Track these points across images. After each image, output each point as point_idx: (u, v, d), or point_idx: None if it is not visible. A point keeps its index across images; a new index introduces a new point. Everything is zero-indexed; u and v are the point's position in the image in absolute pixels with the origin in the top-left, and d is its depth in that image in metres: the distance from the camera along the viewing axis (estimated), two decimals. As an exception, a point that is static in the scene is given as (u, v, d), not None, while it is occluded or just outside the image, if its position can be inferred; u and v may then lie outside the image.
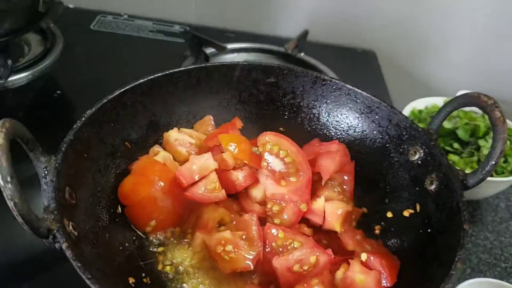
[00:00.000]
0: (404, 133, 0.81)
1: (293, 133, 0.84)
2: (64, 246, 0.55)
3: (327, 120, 0.89)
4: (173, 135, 0.84)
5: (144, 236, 0.75)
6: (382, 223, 0.80)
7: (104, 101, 0.76)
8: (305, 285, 0.66)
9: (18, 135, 0.59)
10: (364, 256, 0.69)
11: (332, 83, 0.88)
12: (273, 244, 0.69)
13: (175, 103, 0.86)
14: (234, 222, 0.74)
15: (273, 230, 0.70)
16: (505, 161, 1.05)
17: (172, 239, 0.75)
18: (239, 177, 0.76)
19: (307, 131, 0.90)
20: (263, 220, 0.74)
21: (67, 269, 0.57)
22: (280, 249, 0.69)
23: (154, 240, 0.75)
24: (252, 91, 0.90)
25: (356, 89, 0.86)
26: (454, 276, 0.59)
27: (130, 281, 0.66)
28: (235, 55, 1.35)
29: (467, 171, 0.73)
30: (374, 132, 0.85)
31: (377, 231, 0.79)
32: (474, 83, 1.42)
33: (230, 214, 0.76)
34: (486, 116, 1.12)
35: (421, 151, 0.78)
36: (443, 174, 0.73)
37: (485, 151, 1.04)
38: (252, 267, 0.68)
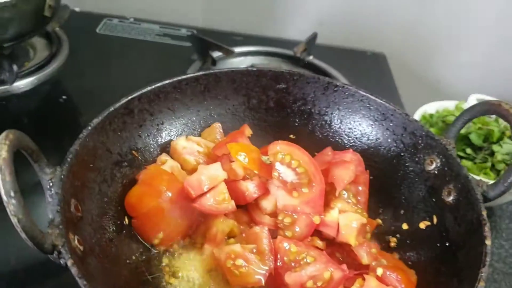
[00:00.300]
0: (419, 141, 0.78)
1: (303, 140, 0.81)
2: (69, 263, 0.53)
3: (339, 128, 0.87)
4: (181, 143, 0.81)
5: (151, 249, 0.73)
6: (398, 235, 0.77)
7: (110, 109, 0.74)
8: (319, 301, 0.63)
9: (23, 147, 0.57)
10: (380, 271, 0.67)
11: (345, 89, 0.85)
12: (285, 258, 0.67)
13: (182, 111, 0.84)
14: (244, 235, 0.72)
15: (285, 244, 0.67)
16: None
17: (180, 252, 0.73)
18: (249, 187, 0.73)
19: (319, 138, 0.88)
20: (274, 233, 0.72)
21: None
22: (293, 264, 0.67)
23: (162, 252, 0.73)
24: (262, 98, 0.88)
25: (370, 96, 0.84)
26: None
27: (137, 297, 0.64)
28: (242, 58, 1.32)
29: (481, 177, 0.71)
30: (389, 140, 0.82)
31: (392, 244, 0.77)
32: (486, 86, 1.39)
33: (240, 226, 0.73)
34: (500, 121, 1.11)
35: (438, 161, 0.75)
36: (461, 185, 0.70)
37: (499, 157, 1.01)
38: (263, 282, 0.65)
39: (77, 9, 1.42)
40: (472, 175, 0.71)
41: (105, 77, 1.23)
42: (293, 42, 1.36)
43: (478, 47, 1.47)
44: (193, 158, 0.81)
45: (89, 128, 0.70)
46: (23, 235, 0.51)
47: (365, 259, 0.70)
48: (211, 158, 0.80)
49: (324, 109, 0.87)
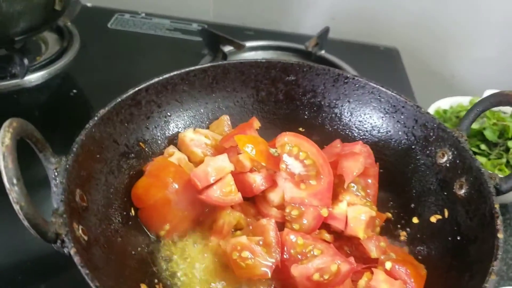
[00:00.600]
0: (431, 134, 0.77)
1: (313, 133, 0.81)
2: (72, 251, 0.53)
3: (350, 120, 0.86)
4: (189, 135, 0.81)
5: (157, 240, 0.72)
6: (408, 229, 0.76)
7: (118, 100, 0.74)
8: (326, 295, 0.62)
9: (27, 135, 0.57)
10: (388, 265, 0.65)
11: (355, 81, 0.84)
12: (292, 251, 0.66)
13: (190, 103, 0.84)
14: (251, 227, 0.71)
15: (292, 236, 0.66)
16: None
17: (186, 243, 0.72)
18: (256, 179, 0.72)
19: (329, 131, 0.86)
20: (281, 225, 0.71)
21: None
22: (299, 256, 0.65)
23: (168, 244, 0.72)
24: (271, 90, 0.87)
25: (380, 88, 0.82)
26: (487, 289, 0.55)
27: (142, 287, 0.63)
28: (253, 53, 1.31)
29: (496, 173, 0.69)
30: (399, 133, 0.81)
31: (402, 238, 0.75)
32: (501, 81, 1.36)
33: (247, 219, 0.72)
34: (516, 116, 1.08)
35: (450, 154, 0.73)
36: (473, 178, 0.69)
37: (515, 153, 0.99)
38: (269, 274, 0.64)
39: (88, 4, 1.43)
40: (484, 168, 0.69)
41: (116, 71, 1.23)
42: (305, 36, 1.35)
43: (493, 41, 1.44)
44: (201, 150, 0.80)
45: (96, 118, 0.69)
46: (25, 223, 0.51)
47: (373, 252, 0.69)
48: (218, 150, 0.80)
49: (334, 101, 0.86)
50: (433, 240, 0.72)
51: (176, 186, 0.72)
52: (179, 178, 0.73)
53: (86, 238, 0.59)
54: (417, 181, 0.77)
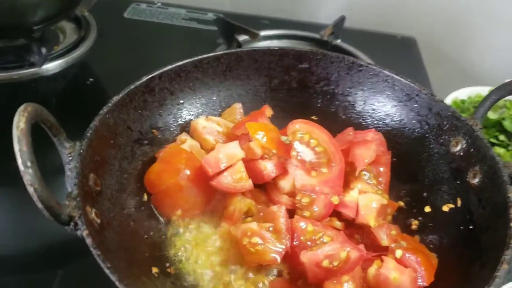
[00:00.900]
0: (445, 122, 0.76)
1: (326, 122, 0.80)
2: (84, 233, 0.54)
3: (363, 109, 0.85)
4: (201, 123, 0.81)
5: (169, 225, 0.73)
6: (420, 218, 0.75)
7: (131, 87, 0.75)
8: (335, 281, 0.62)
9: (41, 120, 0.58)
10: (399, 253, 0.65)
11: (369, 69, 0.83)
12: (302, 237, 0.66)
13: (203, 90, 0.84)
14: (262, 214, 0.71)
15: (302, 223, 0.66)
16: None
17: (197, 228, 0.73)
18: (267, 167, 0.72)
19: (342, 120, 0.86)
20: (292, 213, 0.71)
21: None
22: (309, 243, 0.65)
23: (180, 229, 0.73)
24: (284, 78, 0.87)
25: (395, 76, 0.81)
26: (498, 278, 0.54)
27: (154, 271, 0.64)
28: (268, 42, 1.31)
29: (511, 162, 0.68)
30: (413, 121, 0.80)
31: (414, 227, 0.75)
32: (523, 72, 1.33)
33: (258, 205, 0.73)
34: (537, 106, 1.06)
35: (464, 142, 0.73)
36: (488, 166, 0.68)
37: (534, 144, 0.97)
38: (279, 260, 0.65)
39: (105, -6, 1.44)
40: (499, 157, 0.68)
41: (132, 60, 1.24)
42: (321, 26, 1.34)
43: (514, 28, 1.41)
44: (213, 138, 0.81)
45: (109, 104, 0.71)
46: (39, 205, 0.52)
47: (384, 240, 0.68)
48: (230, 138, 0.80)
49: (348, 89, 0.86)
50: (445, 229, 0.71)
51: (188, 172, 0.73)
52: (191, 164, 0.73)
53: (99, 221, 0.60)
54: (430, 170, 0.76)
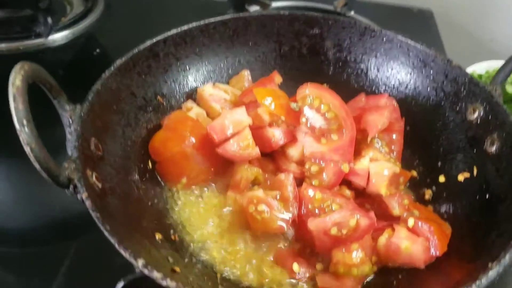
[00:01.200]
0: (462, 89, 0.72)
1: (338, 90, 0.77)
2: (84, 196, 0.52)
3: (376, 76, 0.82)
4: (208, 90, 0.79)
5: (174, 193, 0.71)
6: (434, 187, 0.72)
7: (135, 51, 0.73)
8: (344, 249, 0.60)
9: (40, 80, 0.56)
10: (411, 222, 0.62)
11: (383, 34, 0.80)
12: (310, 205, 0.64)
13: (210, 57, 0.81)
14: (269, 182, 0.69)
15: (310, 191, 0.64)
16: None
17: (203, 197, 0.71)
18: (275, 134, 0.70)
19: (354, 88, 0.83)
20: (300, 182, 0.68)
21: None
22: (317, 211, 0.63)
23: (185, 197, 0.71)
24: (294, 44, 0.84)
25: (409, 41, 0.78)
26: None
27: (157, 237, 0.63)
28: (279, 13, 1.27)
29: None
30: (428, 88, 0.77)
31: (427, 197, 0.72)
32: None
33: (265, 174, 0.70)
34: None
35: (481, 109, 0.69)
36: (506, 133, 0.64)
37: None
38: (285, 228, 0.63)
39: (113, -35, 1.41)
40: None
41: (139, 32, 1.20)
42: (334, -4, 1.30)
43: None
44: (220, 105, 0.78)
45: (112, 68, 0.68)
46: (36, 166, 0.50)
47: (396, 210, 0.66)
48: (238, 106, 0.77)
49: (361, 56, 0.82)
50: (459, 198, 0.68)
51: (193, 140, 0.70)
52: (196, 132, 0.71)
53: (100, 185, 0.58)
54: (445, 139, 0.74)
